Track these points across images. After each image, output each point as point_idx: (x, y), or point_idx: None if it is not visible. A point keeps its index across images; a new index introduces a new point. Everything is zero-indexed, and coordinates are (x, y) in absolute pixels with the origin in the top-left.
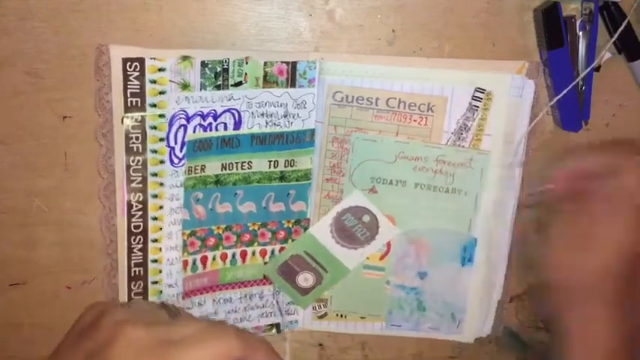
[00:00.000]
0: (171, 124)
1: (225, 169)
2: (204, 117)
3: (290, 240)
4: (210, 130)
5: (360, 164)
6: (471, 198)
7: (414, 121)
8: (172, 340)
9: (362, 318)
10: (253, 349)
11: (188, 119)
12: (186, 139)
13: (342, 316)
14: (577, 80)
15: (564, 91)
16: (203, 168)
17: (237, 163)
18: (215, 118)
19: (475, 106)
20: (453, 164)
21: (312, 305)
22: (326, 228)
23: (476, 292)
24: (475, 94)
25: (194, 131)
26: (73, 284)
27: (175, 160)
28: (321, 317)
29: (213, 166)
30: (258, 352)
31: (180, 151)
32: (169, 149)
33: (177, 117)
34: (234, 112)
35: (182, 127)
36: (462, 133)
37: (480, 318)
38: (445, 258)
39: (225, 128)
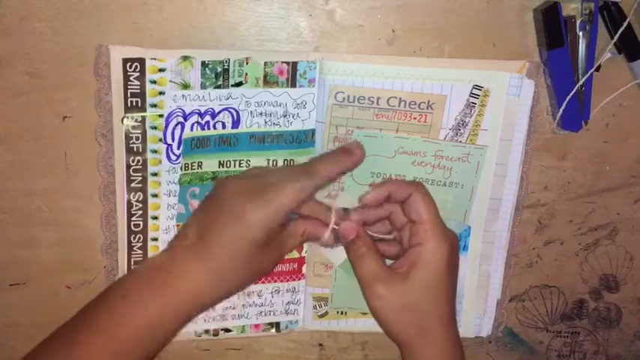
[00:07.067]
0: (167, 122)
1: (223, 167)
2: (201, 115)
3: None
4: (209, 128)
5: None
6: (466, 190)
7: (414, 118)
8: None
9: (362, 314)
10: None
11: (185, 117)
12: (183, 137)
13: (342, 313)
14: (578, 82)
15: (564, 91)
16: (200, 165)
17: (234, 160)
18: (213, 116)
19: (472, 102)
20: (451, 159)
21: (312, 305)
22: None
23: (471, 282)
24: (473, 92)
25: (192, 129)
26: (73, 284)
27: (172, 157)
28: (321, 316)
29: (210, 164)
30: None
31: (178, 148)
32: (167, 146)
33: (174, 114)
34: (232, 111)
35: (179, 125)
36: (459, 129)
37: (477, 312)
38: None
39: (224, 127)
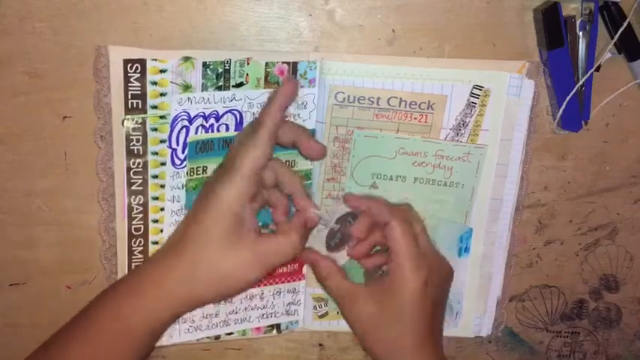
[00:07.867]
0: (173, 126)
1: None
2: (206, 118)
3: None
4: (212, 131)
5: (361, 161)
6: (467, 191)
7: (415, 118)
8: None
9: None
10: None
11: (190, 120)
12: (188, 141)
13: None
14: (578, 82)
15: (564, 91)
16: (205, 169)
17: None
18: (217, 119)
19: (473, 102)
20: (451, 159)
21: (312, 305)
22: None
23: (472, 284)
24: (473, 92)
25: (196, 132)
26: (73, 284)
27: (177, 162)
28: (321, 317)
29: (214, 167)
30: None
31: (182, 152)
32: (171, 151)
33: (180, 118)
34: (235, 112)
35: (184, 129)
36: (460, 129)
37: (477, 312)
38: (442, 249)
39: (227, 129)
